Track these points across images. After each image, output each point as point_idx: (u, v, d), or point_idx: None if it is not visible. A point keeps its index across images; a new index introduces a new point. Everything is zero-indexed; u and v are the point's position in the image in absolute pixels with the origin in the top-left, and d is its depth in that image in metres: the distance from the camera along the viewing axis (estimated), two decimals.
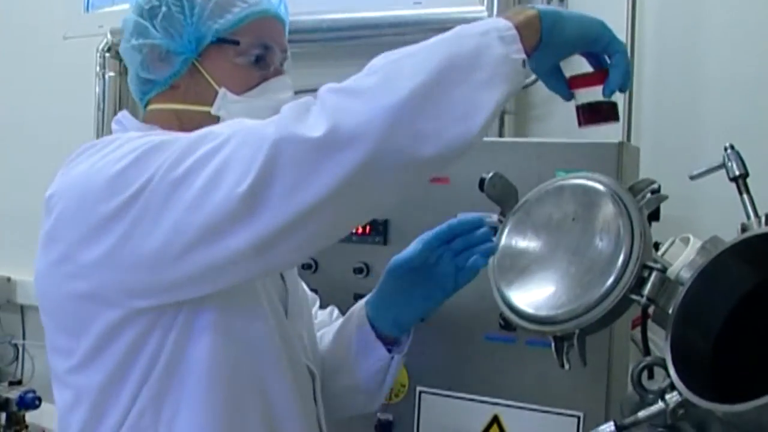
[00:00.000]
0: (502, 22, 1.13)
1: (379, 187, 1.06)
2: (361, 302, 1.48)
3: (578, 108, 1.28)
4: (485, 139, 2.40)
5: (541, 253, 1.28)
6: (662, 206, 1.59)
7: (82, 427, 1.19)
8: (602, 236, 1.23)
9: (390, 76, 1.06)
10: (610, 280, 1.21)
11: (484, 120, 1.08)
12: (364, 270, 1.91)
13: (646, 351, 1.35)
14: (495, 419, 1.88)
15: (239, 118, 1.22)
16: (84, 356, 1.16)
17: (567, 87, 1.28)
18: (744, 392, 1.02)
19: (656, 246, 1.38)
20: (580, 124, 1.29)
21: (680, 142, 2.41)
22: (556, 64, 1.26)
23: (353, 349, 1.45)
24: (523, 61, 1.13)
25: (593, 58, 1.27)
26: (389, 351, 1.45)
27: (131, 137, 1.15)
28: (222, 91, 1.28)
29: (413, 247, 1.41)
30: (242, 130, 1.06)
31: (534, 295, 1.25)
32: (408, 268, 1.42)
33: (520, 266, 1.29)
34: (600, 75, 1.26)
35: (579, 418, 1.78)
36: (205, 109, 1.28)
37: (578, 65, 1.34)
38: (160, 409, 1.17)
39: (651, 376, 1.27)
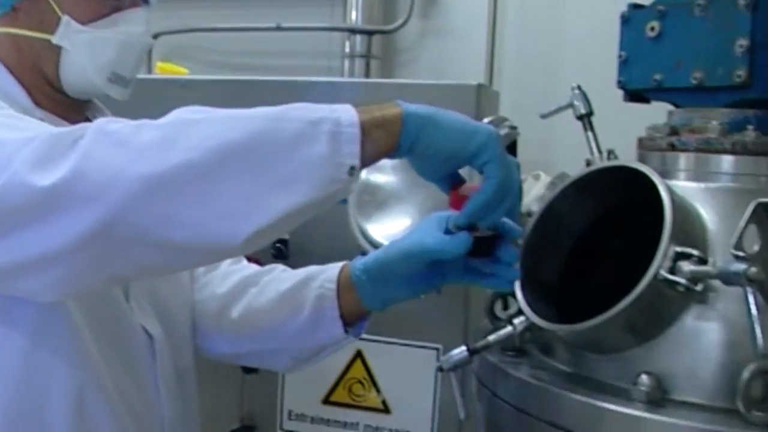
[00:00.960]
0: (348, 115, 0.94)
1: (123, 259, 0.93)
2: (329, 270, 1.30)
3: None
4: (348, 79, 2.50)
5: (399, 188, 1.33)
6: (521, 150, 1.65)
7: None
8: None
9: (170, 137, 0.90)
10: None
11: (258, 227, 0.90)
12: None
13: None
14: (358, 354, 1.95)
15: (84, 49, 1.18)
16: None
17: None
18: (586, 315, 1.10)
19: None
20: None
21: (540, 88, 2.50)
22: (452, 173, 1.06)
23: (303, 317, 1.29)
24: (352, 169, 0.94)
25: None
26: (345, 332, 1.29)
27: None
28: (65, 18, 1.18)
29: (449, 240, 1.11)
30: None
31: (391, 228, 1.32)
32: (438, 258, 1.15)
33: (379, 200, 1.34)
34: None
35: (438, 350, 1.86)
36: (46, 37, 1.19)
37: None
38: None
39: (506, 308, 1.35)
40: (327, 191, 0.93)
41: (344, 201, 1.39)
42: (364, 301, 1.25)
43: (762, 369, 1.00)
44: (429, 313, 1.83)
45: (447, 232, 1.11)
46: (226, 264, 1.43)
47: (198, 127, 0.91)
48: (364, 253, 1.30)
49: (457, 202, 1.07)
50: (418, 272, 1.18)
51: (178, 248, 0.91)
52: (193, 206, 0.89)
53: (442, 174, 1.06)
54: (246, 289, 1.36)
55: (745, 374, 1.00)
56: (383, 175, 1.35)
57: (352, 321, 1.29)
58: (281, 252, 1.85)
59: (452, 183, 1.08)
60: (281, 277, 1.35)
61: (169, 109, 0.96)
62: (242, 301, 1.35)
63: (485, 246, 1.10)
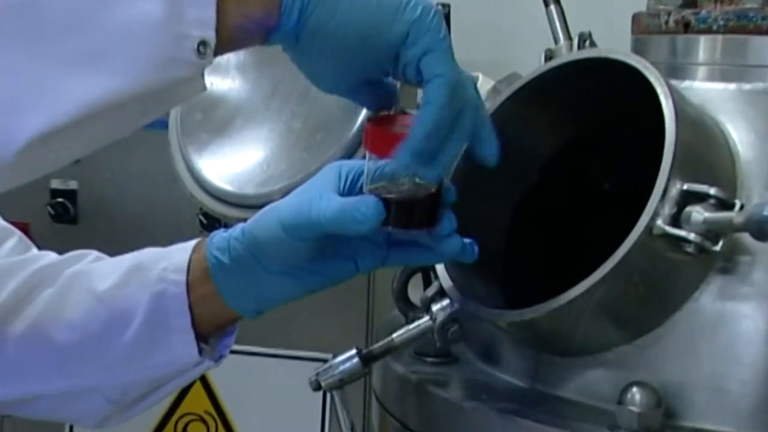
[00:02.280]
0: None
1: None
2: (173, 254, 1.29)
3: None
4: None
5: (250, 101, 1.32)
6: (461, 43, 1.65)
7: None
8: None
9: None
10: (351, 136, 1.27)
11: (44, 127, 0.91)
12: None
13: None
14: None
15: None
16: None
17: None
18: (546, 296, 1.11)
19: None
20: None
21: None
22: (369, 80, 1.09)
23: (131, 331, 1.27)
24: (202, 45, 0.95)
25: None
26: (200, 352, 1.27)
27: None
28: None
29: (350, 206, 1.14)
30: None
31: (236, 165, 1.29)
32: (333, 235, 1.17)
33: (218, 121, 1.33)
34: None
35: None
36: None
37: None
38: None
39: (427, 286, 1.32)
40: (159, 79, 0.93)
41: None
42: (228, 300, 1.24)
43: None
44: (314, 306, 1.83)
45: (351, 191, 1.13)
46: (4, 251, 1.38)
47: None
48: (225, 225, 1.29)
49: (379, 140, 1.07)
50: (309, 256, 1.18)
51: None
52: None
53: (351, 79, 1.07)
54: (36, 290, 1.32)
55: None
56: (224, 78, 1.33)
57: (209, 334, 1.27)
58: (66, 210, 1.81)
59: (375, 106, 1.09)
60: (95, 269, 1.33)
61: None
62: (29, 311, 1.31)
63: (419, 210, 1.10)
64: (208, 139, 1.34)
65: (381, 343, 1.22)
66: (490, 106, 1.26)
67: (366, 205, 1.08)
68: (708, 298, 1.11)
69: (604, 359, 1.14)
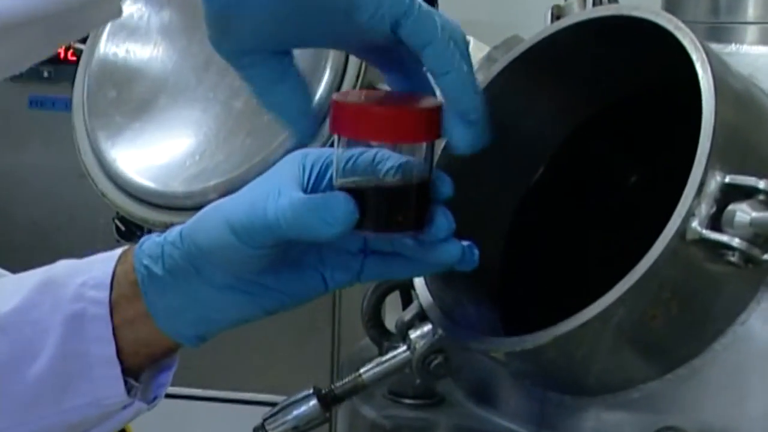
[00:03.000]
0: None
1: None
2: (94, 266, 1.29)
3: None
4: None
5: (178, 74, 1.32)
6: (461, 7, 1.66)
7: None
8: None
9: None
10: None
11: None
12: None
13: None
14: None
15: None
16: None
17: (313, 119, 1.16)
18: (555, 318, 1.11)
19: None
20: None
21: None
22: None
23: (39, 365, 1.27)
24: None
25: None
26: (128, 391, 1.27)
27: None
28: None
29: (316, 204, 1.18)
30: None
31: (160, 155, 1.30)
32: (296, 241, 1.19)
33: (136, 99, 1.33)
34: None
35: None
36: None
37: None
38: None
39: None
40: None
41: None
42: (161, 323, 1.24)
43: None
44: (265, 334, 1.83)
45: (317, 186, 1.15)
46: None
47: None
48: (149, 232, 1.30)
49: (353, 119, 1.08)
50: (263, 267, 1.19)
51: None
52: None
53: (286, 40, 1.10)
54: None
55: None
56: (144, 44, 1.33)
57: (140, 368, 1.27)
58: None
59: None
60: None
61: None
62: None
63: (403, 208, 1.11)
64: (123, 122, 1.35)
65: (346, 380, 1.21)
66: (483, 78, 1.27)
67: (335, 203, 1.09)
68: (758, 320, 1.12)
69: (628, 399, 1.14)
